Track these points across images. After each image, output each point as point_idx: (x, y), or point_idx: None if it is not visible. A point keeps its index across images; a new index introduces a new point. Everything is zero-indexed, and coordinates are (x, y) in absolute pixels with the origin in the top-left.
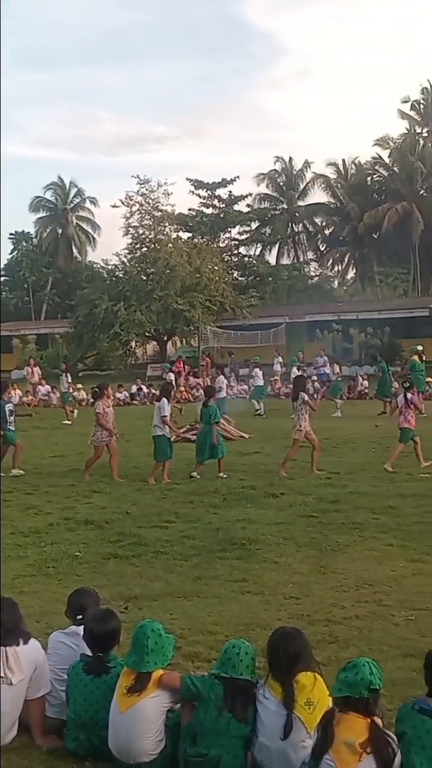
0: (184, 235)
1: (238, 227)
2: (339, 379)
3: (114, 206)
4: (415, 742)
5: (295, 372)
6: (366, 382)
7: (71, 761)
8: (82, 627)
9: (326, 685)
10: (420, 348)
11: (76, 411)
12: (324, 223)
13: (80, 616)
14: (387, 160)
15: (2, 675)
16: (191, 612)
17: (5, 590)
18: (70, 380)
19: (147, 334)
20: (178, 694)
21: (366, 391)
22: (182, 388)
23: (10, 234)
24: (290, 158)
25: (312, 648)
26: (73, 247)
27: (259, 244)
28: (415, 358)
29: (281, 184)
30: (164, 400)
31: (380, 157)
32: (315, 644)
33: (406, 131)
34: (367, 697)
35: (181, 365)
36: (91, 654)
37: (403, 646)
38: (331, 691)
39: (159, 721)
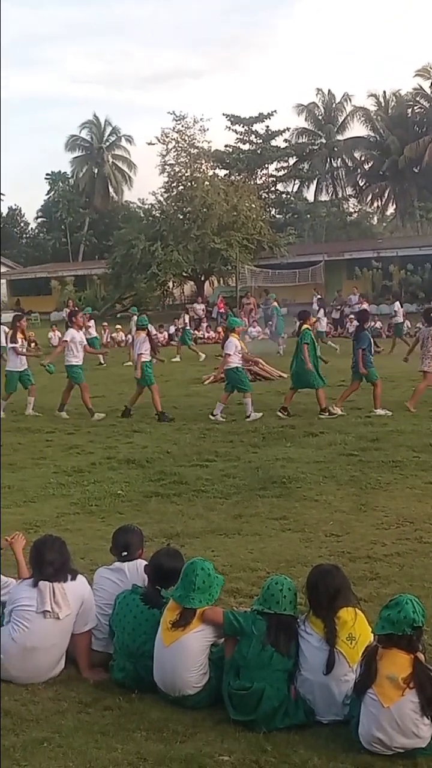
0: (221, 173)
1: (275, 163)
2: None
3: (150, 144)
4: None
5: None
6: (407, 322)
7: (118, 693)
8: (126, 563)
9: (367, 621)
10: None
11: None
12: (363, 158)
13: (125, 553)
14: (428, 91)
15: (50, 609)
16: (232, 549)
17: (50, 527)
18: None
19: (184, 274)
20: (221, 629)
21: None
22: (219, 329)
23: (47, 174)
24: (329, 90)
25: (353, 584)
26: (110, 187)
27: (296, 181)
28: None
29: (320, 117)
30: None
31: (421, 87)
32: (356, 581)
33: None
34: (411, 634)
35: (223, 305)
36: (146, 586)
37: None
38: (374, 629)
39: (203, 655)
